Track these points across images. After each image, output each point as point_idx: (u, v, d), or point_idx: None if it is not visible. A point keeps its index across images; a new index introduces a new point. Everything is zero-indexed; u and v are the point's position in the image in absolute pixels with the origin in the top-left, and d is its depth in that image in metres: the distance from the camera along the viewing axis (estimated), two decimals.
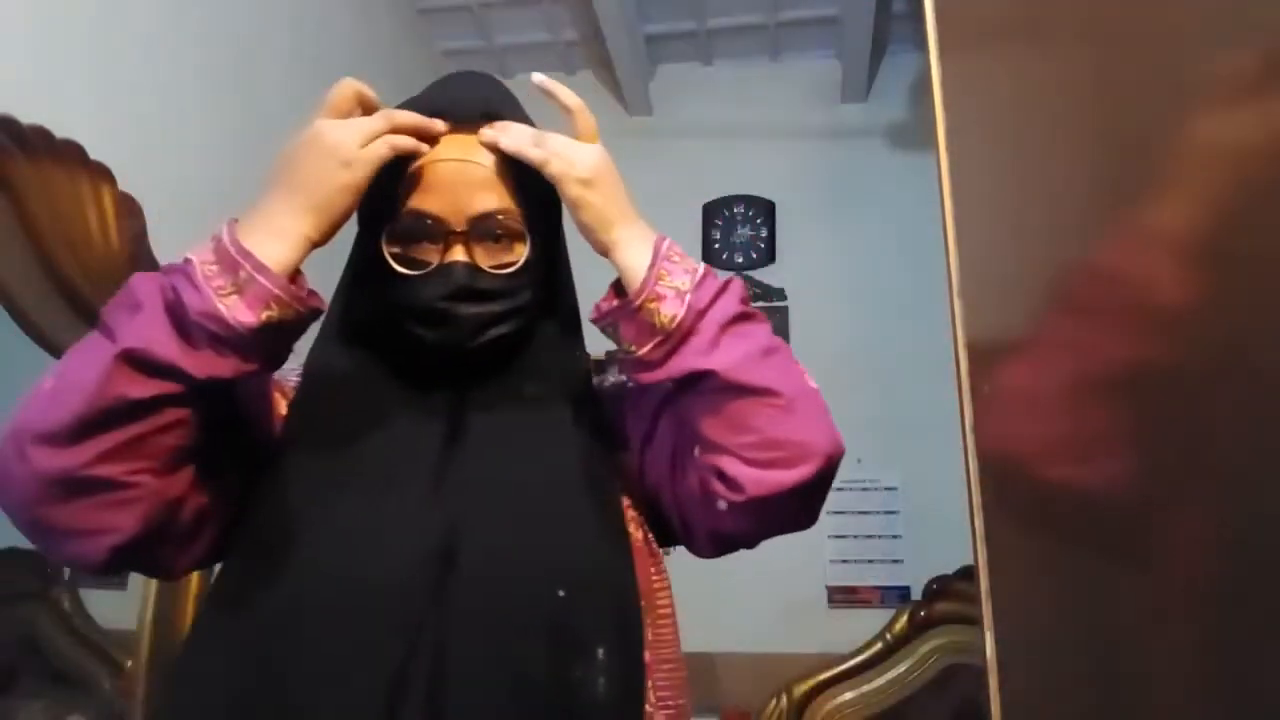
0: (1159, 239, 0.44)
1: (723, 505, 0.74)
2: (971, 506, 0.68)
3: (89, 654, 1.38)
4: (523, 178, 0.77)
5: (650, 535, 0.83)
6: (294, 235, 0.68)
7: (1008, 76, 0.67)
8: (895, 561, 2.48)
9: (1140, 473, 0.46)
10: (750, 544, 0.80)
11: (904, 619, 2.23)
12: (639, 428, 0.84)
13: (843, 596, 2.48)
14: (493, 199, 0.76)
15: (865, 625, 2.29)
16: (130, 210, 1.36)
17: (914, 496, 2.51)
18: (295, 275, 0.68)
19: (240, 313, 0.63)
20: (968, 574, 1.21)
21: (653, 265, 0.74)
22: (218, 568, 0.74)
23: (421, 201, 0.75)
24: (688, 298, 0.73)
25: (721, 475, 0.72)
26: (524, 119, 0.81)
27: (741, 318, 0.74)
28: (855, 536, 2.52)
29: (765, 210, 2.75)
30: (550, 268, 0.83)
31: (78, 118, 1.30)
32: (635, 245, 0.76)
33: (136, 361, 0.61)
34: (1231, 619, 0.37)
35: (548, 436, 0.78)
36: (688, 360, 0.72)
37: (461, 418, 0.78)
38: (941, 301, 0.74)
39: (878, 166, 2.71)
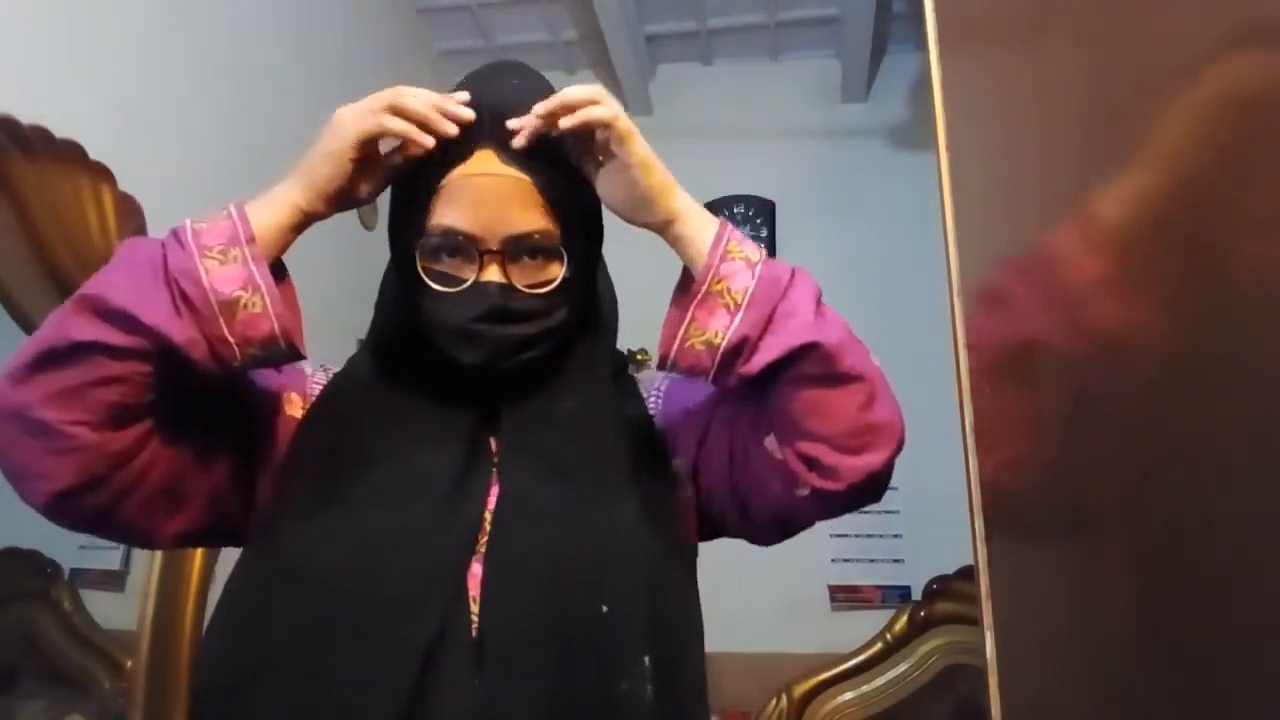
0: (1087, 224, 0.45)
1: (805, 492, 0.73)
2: (971, 506, 0.68)
3: (89, 654, 1.38)
4: (560, 194, 0.76)
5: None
6: (281, 200, 0.71)
7: (1008, 76, 0.67)
8: (896, 561, 2.48)
9: (1140, 471, 0.46)
10: (812, 523, 0.79)
11: (904, 619, 2.23)
12: (688, 429, 0.82)
13: (843, 596, 2.47)
14: (529, 219, 0.74)
15: (865, 625, 2.29)
16: (130, 210, 1.36)
17: (914, 496, 2.50)
18: (282, 272, 0.71)
19: (218, 280, 0.66)
20: (968, 574, 1.21)
21: (721, 234, 0.73)
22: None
23: (455, 218, 0.73)
24: (759, 269, 0.72)
25: (815, 464, 0.71)
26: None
27: (820, 298, 0.73)
28: (856, 536, 2.52)
29: (765, 210, 2.75)
30: (587, 285, 0.82)
31: (78, 118, 1.30)
32: (700, 213, 0.75)
33: (91, 305, 0.63)
34: (1231, 619, 0.37)
35: (586, 449, 0.77)
36: (793, 335, 0.69)
37: (492, 434, 0.77)
38: (941, 301, 0.74)
39: (878, 166, 2.71)
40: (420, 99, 0.72)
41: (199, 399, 0.71)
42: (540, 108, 0.73)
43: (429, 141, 0.72)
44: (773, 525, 0.80)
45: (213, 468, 0.73)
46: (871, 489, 0.74)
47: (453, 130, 0.72)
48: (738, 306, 0.71)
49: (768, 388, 0.72)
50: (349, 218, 2.30)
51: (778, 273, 0.72)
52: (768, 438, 0.75)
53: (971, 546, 0.67)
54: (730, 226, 0.75)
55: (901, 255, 2.48)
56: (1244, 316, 0.36)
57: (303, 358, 0.72)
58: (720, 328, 0.71)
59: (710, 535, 0.84)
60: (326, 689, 0.65)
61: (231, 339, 0.66)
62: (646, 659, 0.67)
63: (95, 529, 0.70)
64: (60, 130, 1.25)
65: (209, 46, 1.74)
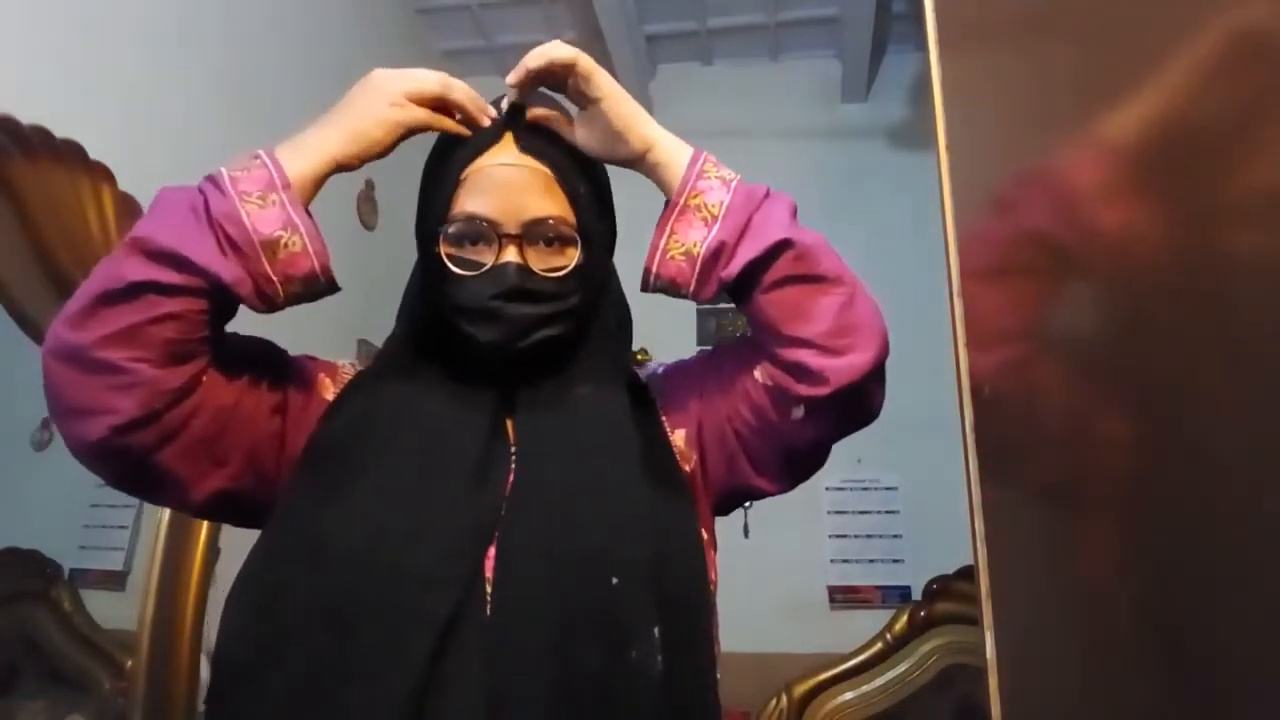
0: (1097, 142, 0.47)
1: (799, 413, 0.75)
2: (971, 506, 0.67)
3: (89, 654, 1.39)
4: (576, 184, 0.80)
5: (713, 528, 0.84)
6: (319, 151, 0.74)
7: (1008, 76, 0.67)
8: (895, 561, 2.49)
9: (1140, 468, 0.46)
10: (820, 458, 0.82)
11: (904, 619, 2.23)
12: (685, 391, 0.85)
13: (843, 596, 2.48)
14: (546, 204, 0.78)
15: (865, 625, 2.29)
16: (130, 210, 1.36)
17: (914, 496, 2.51)
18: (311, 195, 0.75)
19: (259, 222, 0.69)
20: (968, 574, 1.21)
21: (696, 157, 0.79)
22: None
23: (476, 204, 0.77)
24: (734, 185, 0.77)
25: (802, 371, 0.73)
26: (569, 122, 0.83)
27: (795, 213, 0.78)
28: (856, 536, 2.52)
29: None
30: (602, 274, 0.85)
31: (78, 118, 1.30)
32: (674, 141, 0.80)
33: (142, 248, 0.67)
34: (1232, 618, 0.38)
35: (599, 431, 0.79)
36: (770, 233, 0.74)
37: (509, 416, 0.79)
38: (941, 301, 0.74)
39: (877, 166, 2.71)
40: (469, 98, 0.79)
41: (242, 359, 0.75)
42: (512, 76, 0.78)
43: (467, 133, 0.79)
44: (780, 462, 0.81)
45: (252, 425, 0.75)
46: (860, 398, 0.75)
47: (487, 122, 0.80)
48: (714, 219, 0.76)
49: (750, 298, 0.76)
50: (349, 218, 2.31)
51: (752, 189, 0.78)
52: (757, 368, 0.78)
53: (971, 546, 0.67)
54: (706, 153, 0.80)
55: (901, 255, 2.48)
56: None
57: (339, 289, 0.75)
58: (699, 238, 0.75)
59: (730, 502, 0.86)
60: (343, 666, 0.65)
61: (274, 276, 0.70)
62: (656, 630, 0.68)
63: (136, 474, 0.71)
64: (60, 130, 1.25)
65: (209, 46, 1.74)
